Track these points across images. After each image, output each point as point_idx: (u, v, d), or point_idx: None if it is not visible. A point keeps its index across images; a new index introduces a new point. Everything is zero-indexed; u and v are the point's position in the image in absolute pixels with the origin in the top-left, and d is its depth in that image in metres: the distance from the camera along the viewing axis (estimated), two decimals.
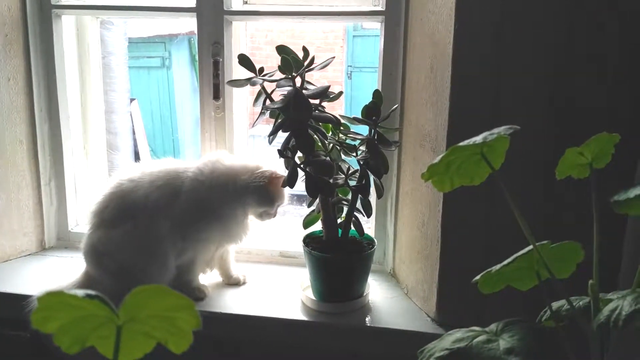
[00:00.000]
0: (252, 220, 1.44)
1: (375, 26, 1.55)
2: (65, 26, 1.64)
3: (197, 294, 1.40)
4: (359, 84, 5.32)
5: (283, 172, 1.34)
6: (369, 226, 1.58)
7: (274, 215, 1.42)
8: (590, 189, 0.59)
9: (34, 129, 1.62)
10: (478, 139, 0.50)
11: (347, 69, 5.48)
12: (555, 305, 0.58)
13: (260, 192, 1.36)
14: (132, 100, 3.34)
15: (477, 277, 0.56)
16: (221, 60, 1.55)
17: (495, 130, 0.50)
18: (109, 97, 2.09)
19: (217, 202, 1.36)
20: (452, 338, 0.63)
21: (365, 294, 1.38)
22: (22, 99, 1.58)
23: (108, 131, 2.01)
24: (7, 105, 1.54)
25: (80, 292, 0.36)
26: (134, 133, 2.98)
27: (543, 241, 0.53)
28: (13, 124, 1.57)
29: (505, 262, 0.53)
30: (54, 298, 0.35)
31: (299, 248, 1.40)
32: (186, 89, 5.27)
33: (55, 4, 1.58)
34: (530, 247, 0.53)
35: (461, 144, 0.50)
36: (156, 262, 1.35)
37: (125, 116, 2.30)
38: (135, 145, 3.17)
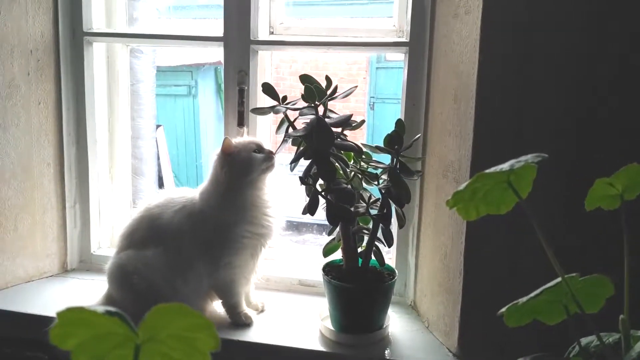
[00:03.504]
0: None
1: (399, 58, 1.57)
2: (96, 53, 1.69)
3: (244, 320, 1.40)
4: (382, 115, 5.34)
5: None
6: (389, 256, 1.56)
7: (270, 160, 1.37)
8: (620, 221, 0.57)
9: (61, 152, 1.66)
10: (505, 166, 0.49)
11: (370, 100, 5.51)
12: (584, 341, 0.56)
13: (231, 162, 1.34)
14: (158, 126, 3.40)
15: (503, 310, 0.54)
16: (246, 88, 1.57)
17: (523, 158, 0.49)
18: (135, 123, 2.12)
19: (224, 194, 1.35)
20: None
21: (385, 326, 1.36)
22: (51, 122, 1.62)
23: (133, 156, 2.04)
24: (36, 128, 1.58)
25: (101, 309, 0.35)
26: (158, 159, 3.02)
27: (571, 274, 0.52)
28: (41, 146, 1.60)
29: (533, 294, 0.52)
30: (74, 314, 0.35)
31: (318, 277, 1.39)
32: (211, 116, 5.36)
33: (87, 31, 1.63)
34: (559, 279, 0.51)
35: (487, 171, 0.49)
36: (189, 284, 1.36)
37: (151, 142, 2.33)
38: (160, 171, 3.21)
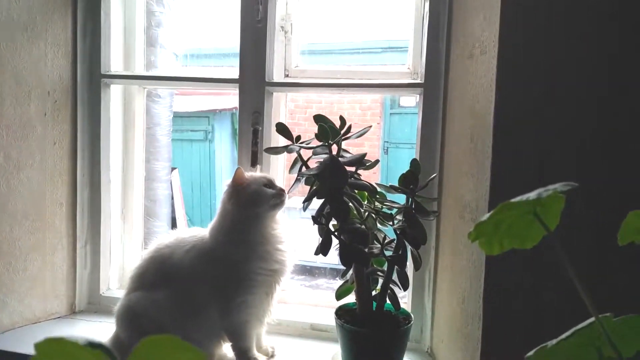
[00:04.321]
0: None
1: (412, 104, 1.56)
2: (113, 95, 1.71)
3: None
4: (396, 160, 5.33)
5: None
6: (405, 301, 1.50)
7: (280, 197, 1.34)
8: None
9: (74, 192, 1.66)
10: (532, 195, 0.46)
11: (384, 145, 5.52)
12: None
13: (240, 195, 1.32)
14: (173, 169, 3.43)
15: (530, 353, 0.50)
16: (260, 129, 1.57)
17: (551, 187, 0.46)
18: (151, 166, 2.13)
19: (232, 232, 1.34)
20: None
21: None
22: (66, 162, 1.63)
23: (147, 198, 2.03)
24: (50, 168, 1.58)
25: (82, 340, 0.32)
26: (172, 201, 3.02)
27: (604, 314, 0.48)
28: (55, 186, 1.60)
29: (563, 336, 0.48)
30: (54, 345, 0.31)
31: (331, 321, 1.34)
32: (226, 160, 5.41)
33: (105, 74, 1.66)
34: (591, 319, 0.47)
35: (512, 200, 0.46)
36: (200, 327, 1.32)
37: (165, 184, 2.33)
38: (173, 212, 3.21)
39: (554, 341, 0.48)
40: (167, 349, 0.33)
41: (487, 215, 0.47)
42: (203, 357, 0.34)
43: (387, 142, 5.57)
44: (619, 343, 0.48)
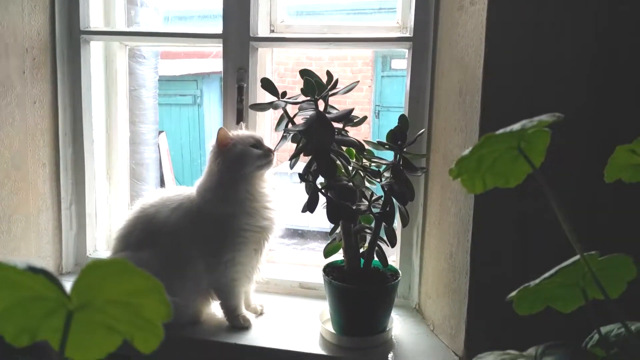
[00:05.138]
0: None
1: (403, 66, 1.52)
2: (94, 52, 1.66)
3: (242, 323, 1.35)
4: (387, 123, 5.31)
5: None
6: (393, 259, 1.50)
7: (267, 157, 1.32)
8: None
9: (57, 152, 1.62)
10: (516, 126, 0.44)
11: (375, 108, 5.48)
12: (604, 330, 0.50)
13: (225, 155, 1.30)
14: (160, 132, 3.38)
15: (513, 293, 0.49)
16: (245, 85, 1.53)
17: (536, 118, 0.44)
18: (137, 129, 2.09)
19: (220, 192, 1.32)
20: None
21: (388, 329, 1.30)
22: (47, 122, 1.59)
23: (135, 161, 2.00)
24: (31, 128, 1.54)
25: (22, 264, 0.30)
26: (160, 164, 3.00)
27: (590, 252, 0.47)
28: (37, 146, 1.56)
29: (547, 274, 0.47)
30: None
31: (319, 279, 1.34)
32: (216, 124, 5.36)
33: (84, 30, 1.60)
34: (576, 257, 0.46)
35: (496, 132, 0.44)
36: (187, 285, 1.31)
37: (152, 148, 2.29)
38: (162, 176, 3.19)
39: (537, 280, 0.47)
40: (114, 273, 0.31)
41: (469, 150, 0.45)
42: (153, 282, 0.32)
43: (379, 105, 5.53)
44: (604, 283, 0.46)
